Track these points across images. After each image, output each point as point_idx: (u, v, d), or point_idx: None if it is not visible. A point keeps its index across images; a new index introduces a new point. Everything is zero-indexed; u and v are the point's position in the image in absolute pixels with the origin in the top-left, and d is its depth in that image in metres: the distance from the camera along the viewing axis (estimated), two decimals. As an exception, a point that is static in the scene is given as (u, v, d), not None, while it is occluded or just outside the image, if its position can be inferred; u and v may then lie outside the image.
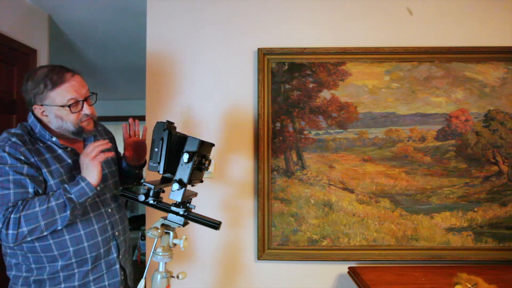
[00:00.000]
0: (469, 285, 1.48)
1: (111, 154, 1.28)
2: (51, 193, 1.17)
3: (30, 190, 1.17)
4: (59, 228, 1.17)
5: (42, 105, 1.24)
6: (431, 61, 1.93)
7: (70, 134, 1.27)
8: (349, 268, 1.85)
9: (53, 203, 1.14)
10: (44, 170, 1.21)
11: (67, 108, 1.22)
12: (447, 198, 1.90)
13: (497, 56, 1.92)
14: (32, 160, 1.20)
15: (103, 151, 1.24)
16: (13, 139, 1.19)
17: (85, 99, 1.27)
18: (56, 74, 1.23)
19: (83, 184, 1.18)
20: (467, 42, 1.94)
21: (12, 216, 1.10)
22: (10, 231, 1.10)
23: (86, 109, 1.27)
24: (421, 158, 1.91)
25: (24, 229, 1.11)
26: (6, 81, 2.13)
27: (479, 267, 1.78)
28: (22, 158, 1.17)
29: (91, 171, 1.20)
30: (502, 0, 1.97)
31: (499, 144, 1.91)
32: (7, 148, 1.16)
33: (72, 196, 1.16)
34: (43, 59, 2.43)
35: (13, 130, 1.25)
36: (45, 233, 1.15)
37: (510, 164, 1.91)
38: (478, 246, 1.88)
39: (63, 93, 1.22)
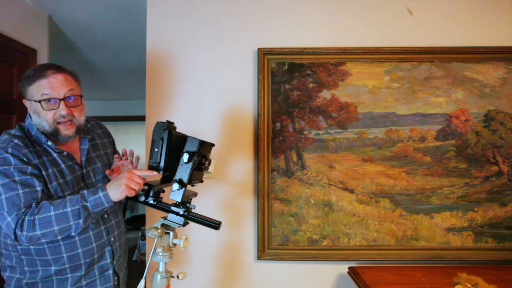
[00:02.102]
0: (469, 285, 1.48)
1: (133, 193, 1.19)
2: (68, 197, 1.15)
3: (38, 188, 1.16)
4: (73, 234, 1.16)
5: (28, 100, 1.25)
6: (431, 61, 1.93)
7: (47, 134, 1.24)
8: (349, 268, 1.85)
9: (69, 209, 1.12)
10: (44, 173, 1.21)
11: (39, 104, 1.20)
12: (447, 198, 1.90)
13: (497, 56, 1.92)
14: (35, 162, 1.19)
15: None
16: (15, 141, 1.18)
17: (63, 99, 1.22)
18: (41, 71, 1.22)
19: (101, 194, 1.15)
20: (467, 42, 1.94)
21: (27, 218, 1.09)
22: (25, 233, 1.09)
23: (62, 109, 1.22)
24: (421, 158, 1.91)
25: (38, 232, 1.10)
26: (6, 81, 2.13)
27: (479, 267, 1.78)
28: (25, 159, 1.17)
29: (119, 191, 1.15)
30: (502, 0, 1.97)
31: (499, 144, 1.91)
32: (9, 150, 1.16)
33: (88, 204, 1.14)
34: (43, 59, 2.43)
35: (13, 132, 1.24)
36: (59, 237, 1.15)
37: (510, 164, 1.91)
38: (478, 246, 1.88)
39: (39, 88, 1.21)
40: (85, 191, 1.16)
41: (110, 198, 1.15)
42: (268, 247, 1.90)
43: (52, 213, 1.11)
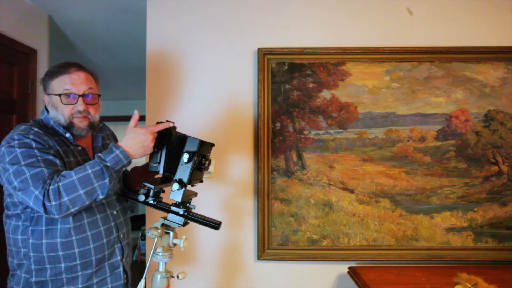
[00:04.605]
0: (469, 285, 1.48)
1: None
2: (86, 163, 1.18)
3: (60, 166, 1.19)
4: (100, 197, 1.17)
5: (48, 94, 1.29)
6: (431, 61, 1.93)
7: (63, 127, 1.29)
8: (349, 268, 1.85)
9: (89, 170, 1.14)
10: (66, 160, 1.25)
11: (58, 98, 1.25)
12: (447, 198, 1.90)
13: (497, 56, 1.92)
14: (56, 148, 1.24)
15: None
16: (35, 129, 1.23)
17: (82, 96, 1.27)
18: (64, 67, 1.28)
19: (117, 151, 1.18)
20: (467, 42, 1.94)
21: (51, 187, 1.11)
22: (53, 202, 1.10)
23: (80, 105, 1.27)
24: (421, 158, 1.91)
25: (65, 198, 1.11)
26: (6, 81, 2.13)
27: (479, 267, 1.78)
28: (46, 145, 1.21)
29: (142, 151, 1.21)
30: (502, 0, 1.97)
31: (499, 144, 1.91)
32: (31, 136, 1.20)
33: (108, 163, 1.16)
34: (43, 59, 2.43)
35: (29, 124, 1.28)
36: (87, 203, 1.15)
37: (510, 164, 1.91)
38: (478, 246, 1.88)
39: (60, 83, 1.26)
40: (100, 154, 1.19)
41: (126, 153, 1.19)
42: (268, 247, 1.90)
43: (74, 177, 1.13)
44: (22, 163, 1.14)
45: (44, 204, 1.11)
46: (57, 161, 1.19)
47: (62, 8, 2.40)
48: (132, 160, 1.25)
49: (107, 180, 1.15)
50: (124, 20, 2.53)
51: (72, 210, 1.14)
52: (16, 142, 1.17)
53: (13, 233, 1.24)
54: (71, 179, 1.12)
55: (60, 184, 1.11)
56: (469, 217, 1.89)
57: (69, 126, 1.28)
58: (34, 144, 1.18)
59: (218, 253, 1.94)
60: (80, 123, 1.29)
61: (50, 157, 1.18)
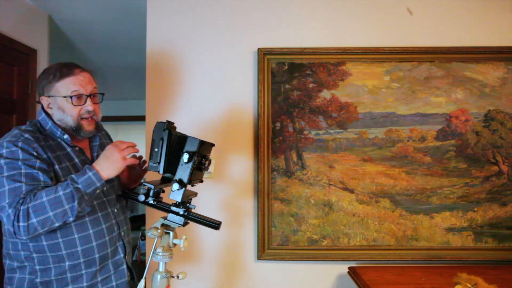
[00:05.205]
0: (469, 285, 1.48)
1: (136, 162, 1.29)
2: (59, 183, 1.16)
3: (42, 183, 1.17)
4: (71, 219, 1.15)
5: (49, 96, 1.28)
6: (431, 61, 1.93)
7: (69, 129, 1.28)
8: (349, 268, 1.85)
9: (61, 192, 1.12)
10: (57, 167, 1.23)
11: (69, 100, 1.25)
12: (447, 198, 1.90)
13: (497, 56, 1.92)
14: (45, 156, 1.21)
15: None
16: (26, 135, 1.20)
17: (90, 96, 1.29)
18: (67, 68, 1.28)
19: (90, 173, 1.16)
20: (467, 42, 1.94)
21: (21, 207, 1.09)
22: (21, 223, 1.09)
23: (89, 105, 1.28)
24: (421, 158, 1.91)
25: (34, 220, 1.09)
26: (6, 81, 2.13)
27: (479, 267, 1.78)
28: (35, 154, 1.18)
29: (114, 166, 1.19)
30: (502, 0, 1.97)
31: (499, 144, 1.91)
32: (20, 144, 1.17)
33: (79, 186, 1.14)
34: (43, 59, 2.43)
35: (24, 127, 1.27)
36: (56, 225, 1.13)
37: (510, 164, 1.91)
38: (478, 246, 1.88)
39: (68, 85, 1.26)
40: (73, 175, 1.17)
41: (100, 176, 1.17)
42: (268, 247, 1.90)
43: (45, 199, 1.10)
44: (5, 174, 1.13)
45: (13, 224, 1.09)
46: (40, 176, 1.16)
47: (62, 8, 2.40)
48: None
49: (75, 203, 1.13)
50: (124, 20, 2.53)
51: (41, 231, 1.12)
52: (4, 150, 1.16)
53: (11, 237, 1.23)
54: (41, 201, 1.10)
55: (30, 205, 1.10)
56: (469, 217, 1.89)
57: (78, 128, 1.28)
58: (20, 155, 1.16)
59: (218, 253, 1.94)
60: (88, 126, 1.30)
61: (34, 171, 1.16)
